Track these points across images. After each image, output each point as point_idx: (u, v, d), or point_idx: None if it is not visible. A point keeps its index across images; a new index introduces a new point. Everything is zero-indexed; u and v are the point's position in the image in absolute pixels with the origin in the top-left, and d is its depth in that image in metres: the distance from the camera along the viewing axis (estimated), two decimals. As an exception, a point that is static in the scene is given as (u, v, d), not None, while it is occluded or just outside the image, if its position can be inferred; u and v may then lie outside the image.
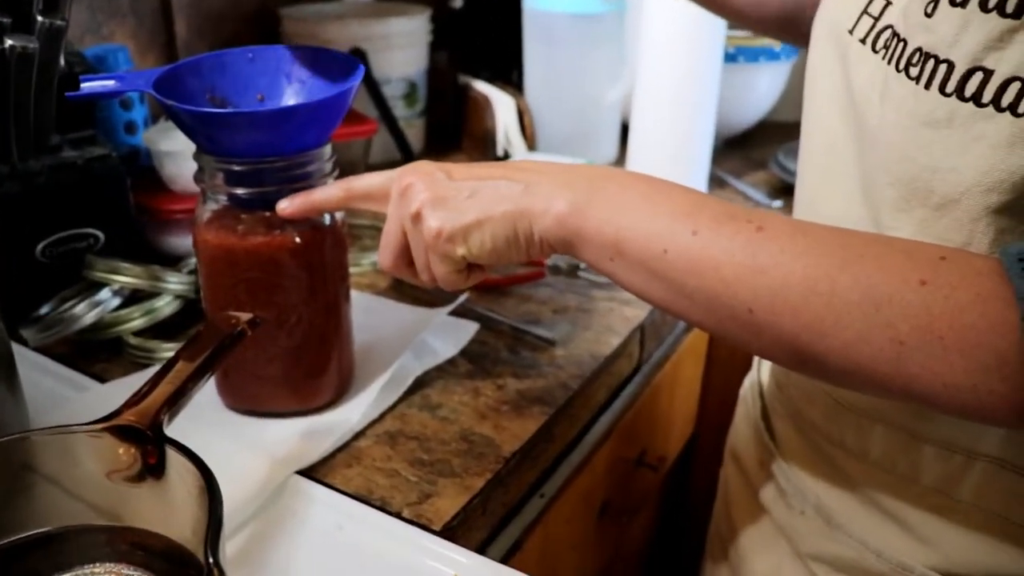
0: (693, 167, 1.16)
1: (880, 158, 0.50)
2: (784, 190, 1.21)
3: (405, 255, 0.59)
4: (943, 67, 0.45)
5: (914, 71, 0.47)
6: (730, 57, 1.26)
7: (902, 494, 0.57)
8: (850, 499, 0.61)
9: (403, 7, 1.31)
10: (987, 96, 0.44)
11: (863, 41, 0.52)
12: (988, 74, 0.43)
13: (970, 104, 0.44)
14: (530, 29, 1.25)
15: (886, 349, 0.42)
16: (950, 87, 0.45)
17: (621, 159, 1.26)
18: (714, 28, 1.08)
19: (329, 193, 0.61)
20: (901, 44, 0.48)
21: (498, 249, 0.54)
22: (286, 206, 0.61)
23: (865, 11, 0.53)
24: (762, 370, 0.75)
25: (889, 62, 0.49)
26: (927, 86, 0.46)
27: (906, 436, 0.56)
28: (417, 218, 0.55)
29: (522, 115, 1.25)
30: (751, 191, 1.21)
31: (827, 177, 0.59)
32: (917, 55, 0.47)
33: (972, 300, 0.40)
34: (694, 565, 0.90)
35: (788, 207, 1.13)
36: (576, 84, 1.24)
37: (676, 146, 1.14)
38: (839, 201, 0.57)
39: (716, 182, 1.23)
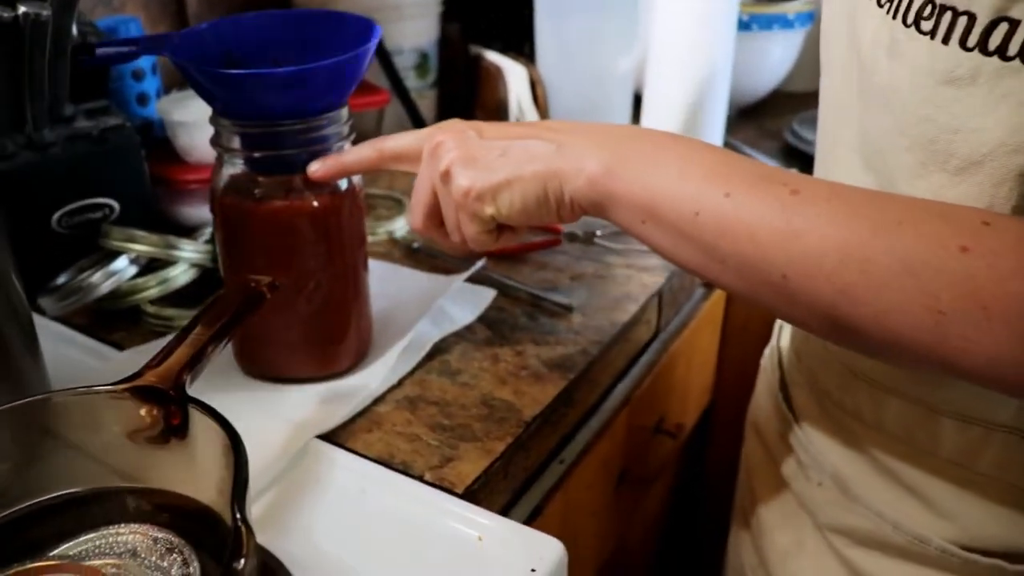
0: (707, 137, 1.15)
1: (894, 121, 0.49)
2: (799, 159, 1.20)
3: (435, 215, 0.58)
4: (963, 19, 0.43)
5: (926, 25, 0.45)
6: (744, 25, 1.25)
7: (920, 466, 0.57)
8: (867, 470, 0.60)
9: (414, -23, 1.30)
10: (1013, 48, 0.41)
11: None
12: (1014, 25, 0.41)
13: (995, 58, 0.42)
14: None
15: (925, 319, 0.40)
16: (971, 41, 0.43)
17: (635, 129, 1.25)
18: (728, -5, 1.07)
19: (361, 154, 0.60)
20: None
21: (528, 209, 0.53)
22: (317, 168, 0.60)
23: None
24: (782, 338, 0.75)
25: (895, 16, 0.47)
26: (945, 41, 0.44)
27: (923, 408, 0.55)
28: (447, 176, 0.55)
29: (534, 86, 1.24)
30: (765, 160, 1.20)
31: (835, 144, 0.58)
32: (929, 8, 0.44)
33: (1017, 268, 0.38)
34: (710, 533, 0.91)
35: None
36: (588, 54, 1.23)
37: (690, 116, 1.13)
38: (844, 168, 0.56)
39: (730, 151, 1.22)
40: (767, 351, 0.79)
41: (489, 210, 0.54)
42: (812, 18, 1.34)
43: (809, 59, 1.46)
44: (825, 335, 0.47)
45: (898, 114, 0.48)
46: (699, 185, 0.47)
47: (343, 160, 0.60)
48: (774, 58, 1.34)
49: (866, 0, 0.50)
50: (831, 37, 0.58)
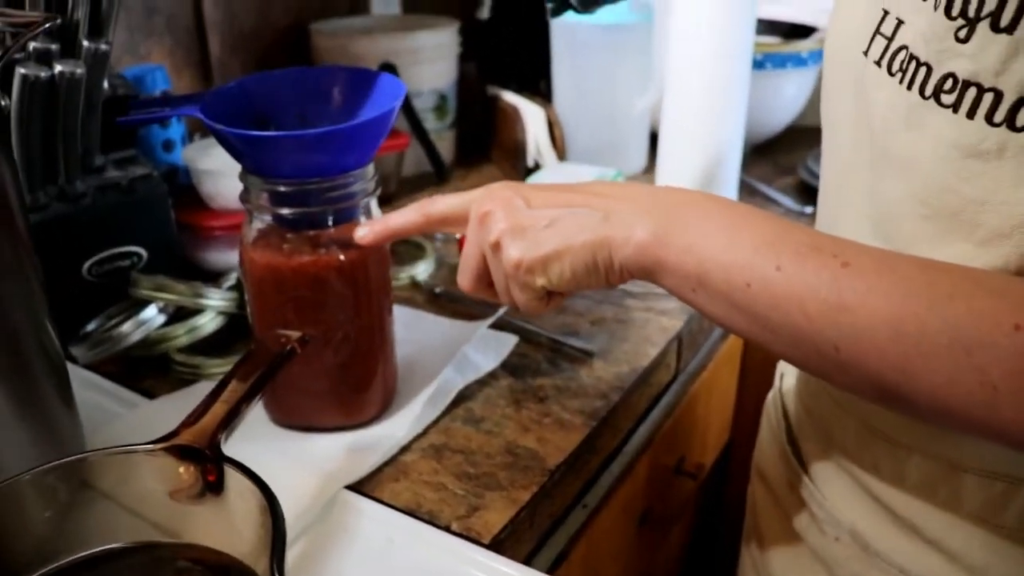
0: (723, 175, 1.16)
1: (915, 189, 0.48)
2: (813, 195, 1.20)
3: (485, 278, 0.59)
4: (989, 96, 0.43)
5: (948, 98, 0.45)
6: (758, 64, 1.27)
7: (943, 521, 0.56)
8: (888, 526, 0.59)
9: (432, 20, 1.32)
10: None
11: (878, 63, 0.50)
12: None
13: (1023, 135, 0.42)
14: (558, 40, 1.26)
15: (977, 393, 0.40)
16: (998, 117, 0.43)
17: (650, 168, 1.27)
18: (742, 36, 1.08)
19: (407, 218, 0.61)
20: (923, 69, 0.46)
21: (578, 278, 0.53)
22: (365, 233, 0.62)
23: (877, 31, 0.51)
24: (784, 388, 0.74)
25: (910, 87, 0.47)
26: (970, 115, 0.44)
27: (944, 464, 0.54)
28: (497, 247, 0.55)
29: (552, 126, 1.26)
30: (781, 197, 1.21)
31: (840, 206, 0.58)
32: (950, 82, 0.44)
33: None
34: (730, 572, 0.91)
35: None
36: (605, 94, 1.25)
37: (705, 154, 1.14)
38: (851, 232, 0.55)
39: (746, 189, 1.23)
40: (769, 397, 0.78)
41: (540, 281, 0.54)
42: (825, 56, 1.36)
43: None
44: (878, 404, 0.47)
45: (918, 184, 0.48)
46: (749, 256, 0.47)
47: (390, 224, 0.61)
48: (788, 95, 1.36)
49: (876, 68, 0.50)
50: (835, 99, 0.58)
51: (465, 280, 0.60)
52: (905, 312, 0.42)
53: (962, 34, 0.43)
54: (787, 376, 0.75)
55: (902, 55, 0.48)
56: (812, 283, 0.45)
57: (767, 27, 1.45)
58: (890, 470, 0.58)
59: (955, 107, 0.44)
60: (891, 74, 0.49)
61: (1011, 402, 0.40)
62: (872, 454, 0.59)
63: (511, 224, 0.54)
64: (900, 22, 0.49)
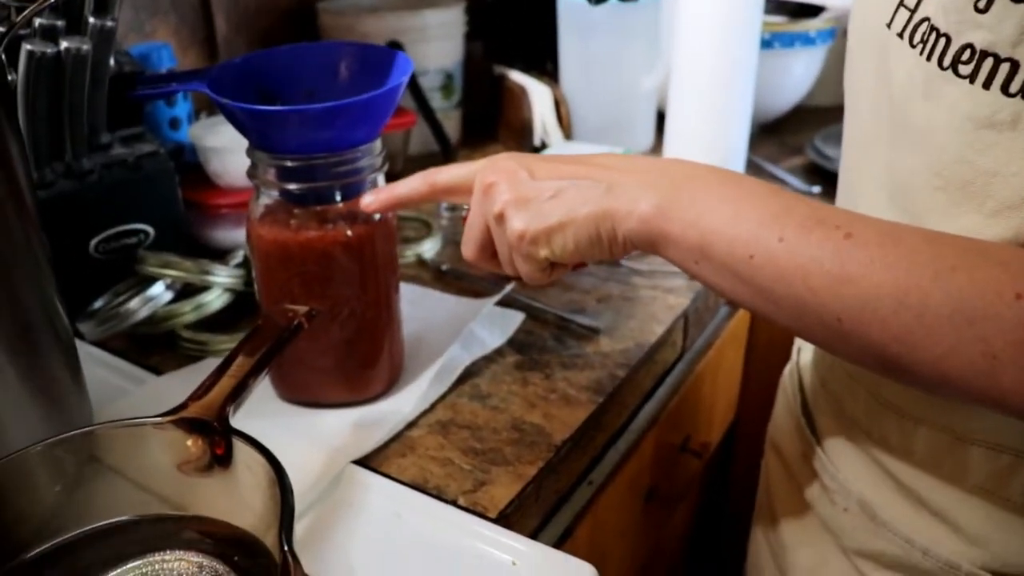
0: (730, 154, 1.16)
1: (927, 161, 0.49)
2: (820, 175, 1.21)
3: (488, 248, 0.58)
4: (1005, 66, 0.43)
5: (964, 69, 0.45)
6: (765, 43, 1.26)
7: (948, 493, 0.56)
8: (895, 497, 0.60)
9: (438, -1, 1.32)
10: None
11: (900, 35, 0.50)
12: None
13: None
14: (565, 19, 1.25)
15: (978, 363, 0.41)
16: (1014, 87, 0.43)
17: (657, 147, 1.27)
18: (750, 15, 1.07)
19: (412, 186, 0.61)
20: (943, 40, 0.46)
21: (581, 250, 0.53)
22: (371, 201, 0.62)
23: (901, 4, 0.51)
24: (801, 362, 0.75)
25: (929, 58, 0.47)
26: (985, 86, 0.44)
27: (951, 436, 0.55)
28: (501, 218, 0.55)
29: (558, 105, 1.25)
30: (788, 177, 1.21)
31: (860, 178, 0.58)
32: (968, 52, 0.45)
33: None
34: (735, 549, 0.91)
35: (825, 193, 1.14)
36: (611, 73, 1.24)
37: (712, 133, 1.14)
38: (868, 203, 0.56)
39: (753, 168, 1.23)
40: (786, 371, 0.79)
41: (543, 252, 0.54)
42: (833, 35, 1.35)
43: (831, 74, 1.47)
44: (879, 373, 0.47)
45: (932, 155, 0.48)
46: (753, 228, 0.47)
47: (396, 192, 0.61)
48: (796, 75, 1.35)
49: (898, 40, 0.50)
50: (858, 71, 0.58)
51: (469, 250, 0.59)
52: (908, 284, 0.42)
53: (981, 5, 0.43)
54: (804, 350, 0.76)
55: (924, 27, 0.48)
56: (816, 255, 0.45)
57: (775, 6, 1.44)
58: (898, 441, 0.59)
59: (972, 77, 0.44)
60: (912, 45, 0.49)
61: (1011, 371, 0.40)
62: (881, 425, 0.60)
63: (515, 195, 0.54)
64: None
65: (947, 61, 0.46)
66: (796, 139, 1.36)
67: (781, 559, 0.75)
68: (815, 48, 1.33)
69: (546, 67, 1.37)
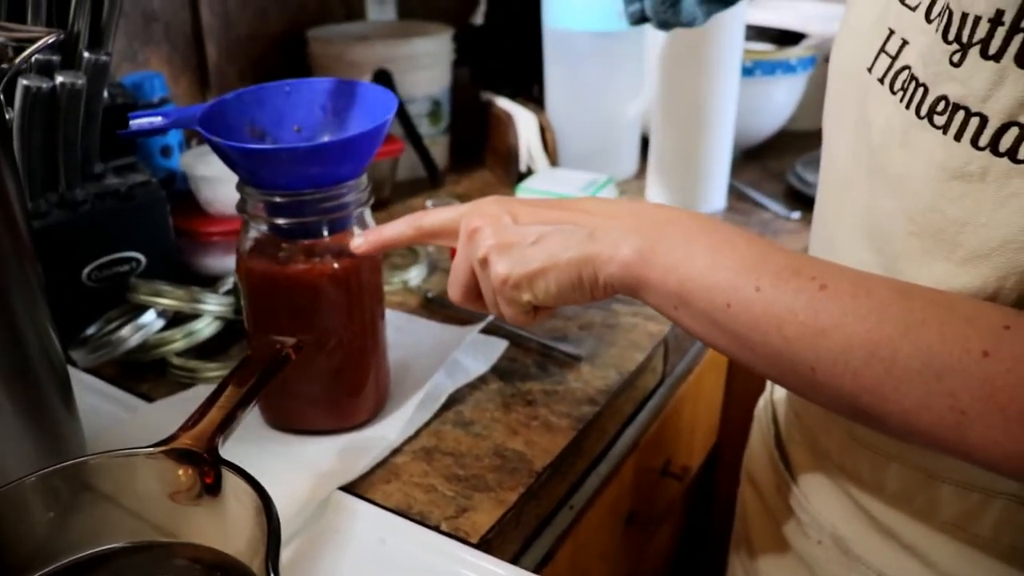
0: (712, 180, 1.18)
1: (902, 206, 0.49)
2: (802, 200, 1.23)
3: (474, 290, 0.60)
4: (975, 120, 0.44)
5: (939, 120, 0.46)
6: (747, 71, 1.29)
7: (920, 528, 0.57)
8: (868, 531, 0.61)
9: (426, 27, 1.34)
10: (1023, 152, 0.42)
11: (881, 81, 0.51)
12: None
13: (1005, 159, 0.43)
14: (551, 47, 1.28)
15: (947, 417, 0.42)
16: (983, 141, 0.44)
17: (641, 173, 1.29)
18: (732, 43, 1.10)
19: (399, 229, 0.63)
20: (921, 89, 0.47)
21: (563, 294, 0.55)
22: (360, 243, 0.64)
23: (883, 49, 0.52)
24: (775, 395, 0.76)
25: (908, 106, 0.48)
26: (957, 137, 0.45)
27: (922, 474, 0.56)
28: (484, 263, 0.57)
29: (544, 131, 1.28)
30: (769, 202, 1.23)
31: (838, 218, 0.59)
32: (943, 104, 0.46)
33: None
34: (717, 573, 0.93)
35: (806, 218, 1.16)
36: (597, 100, 1.27)
37: (695, 160, 1.17)
38: (846, 245, 0.57)
39: (735, 194, 1.25)
40: (761, 402, 0.80)
41: (526, 296, 0.56)
42: (814, 62, 1.38)
43: (812, 101, 1.50)
44: (852, 420, 0.48)
45: (908, 201, 0.49)
46: (730, 277, 0.48)
47: (384, 235, 0.63)
48: (777, 102, 1.38)
49: (878, 85, 0.51)
50: (838, 112, 0.59)
51: (455, 292, 0.61)
52: (879, 337, 0.43)
53: (956, 58, 0.45)
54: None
55: (904, 75, 0.49)
56: (791, 305, 0.46)
57: (757, 33, 1.47)
58: (870, 477, 0.59)
59: (945, 128, 0.46)
60: (892, 92, 0.50)
61: (978, 427, 0.41)
62: (854, 461, 0.60)
63: (498, 241, 0.56)
64: (905, 42, 0.50)
65: (924, 110, 0.47)
66: (778, 164, 1.39)
67: None
68: (796, 75, 1.35)
69: (532, 94, 1.39)
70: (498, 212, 0.57)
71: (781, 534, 0.70)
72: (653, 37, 1.21)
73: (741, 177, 1.32)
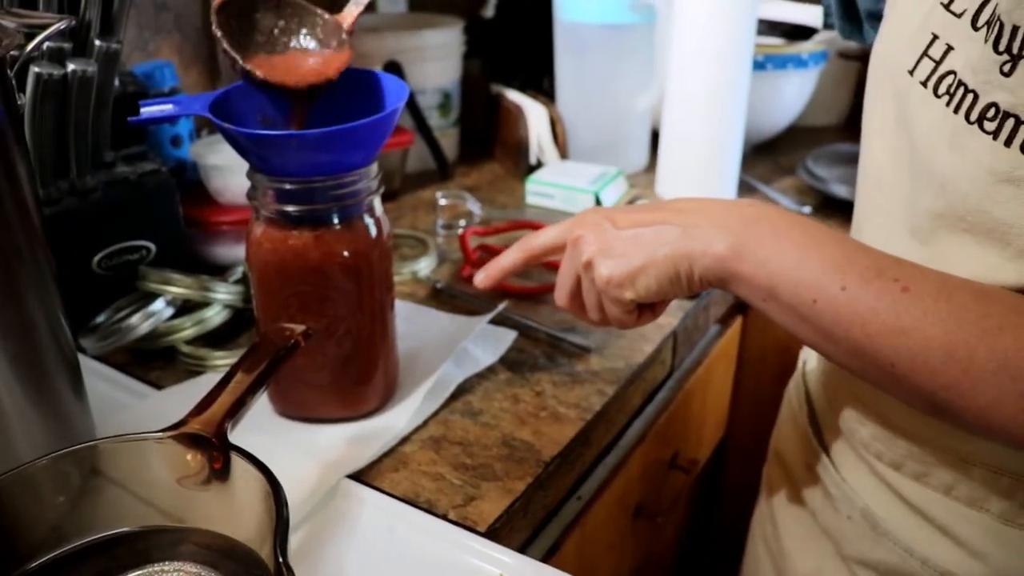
0: (722, 173, 1.18)
1: (952, 206, 0.51)
2: (812, 195, 1.23)
3: (579, 296, 0.65)
4: None
5: (989, 126, 0.48)
6: (758, 65, 1.28)
7: (952, 510, 0.59)
8: (899, 510, 0.63)
9: (437, 19, 1.34)
10: None
11: (924, 84, 0.53)
12: None
13: None
14: (561, 39, 1.28)
15: (1020, 416, 0.45)
16: None
17: (652, 166, 1.29)
18: (743, 37, 1.10)
19: (514, 258, 0.70)
20: (971, 96, 0.49)
21: (662, 289, 0.58)
22: (483, 279, 0.72)
23: (925, 53, 0.54)
24: (808, 379, 0.77)
25: (956, 111, 0.50)
26: (1007, 143, 0.47)
27: (953, 457, 0.58)
28: (588, 267, 0.61)
29: (554, 124, 1.27)
30: (780, 197, 1.23)
31: (876, 212, 0.61)
32: (993, 111, 0.47)
33: None
34: (725, 565, 0.93)
35: (816, 213, 1.15)
36: (607, 93, 1.27)
37: (706, 153, 1.16)
38: (885, 236, 0.59)
39: (745, 188, 1.25)
40: (792, 383, 0.82)
41: (629, 294, 0.60)
42: (825, 57, 1.37)
43: (823, 95, 1.50)
44: (929, 415, 0.51)
45: (956, 202, 0.51)
46: (817, 275, 0.51)
47: (503, 267, 0.70)
48: (788, 96, 1.37)
49: (921, 88, 0.53)
50: (876, 110, 0.61)
51: (561, 298, 0.66)
52: (957, 338, 0.46)
53: (1006, 68, 0.46)
54: (809, 362, 0.78)
55: (950, 79, 0.51)
56: (874, 305, 0.49)
57: (768, 28, 1.46)
58: (903, 460, 0.61)
59: (995, 134, 0.47)
60: (937, 96, 0.52)
61: None
62: (891, 449, 0.62)
63: (600, 245, 0.60)
64: (949, 48, 0.52)
65: (974, 116, 0.49)
66: (788, 159, 1.39)
67: (781, 565, 0.77)
68: (807, 70, 1.35)
69: (543, 87, 1.39)
70: (598, 220, 0.62)
71: (809, 509, 0.72)
72: (664, 30, 1.21)
73: (751, 171, 1.31)
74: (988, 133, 0.48)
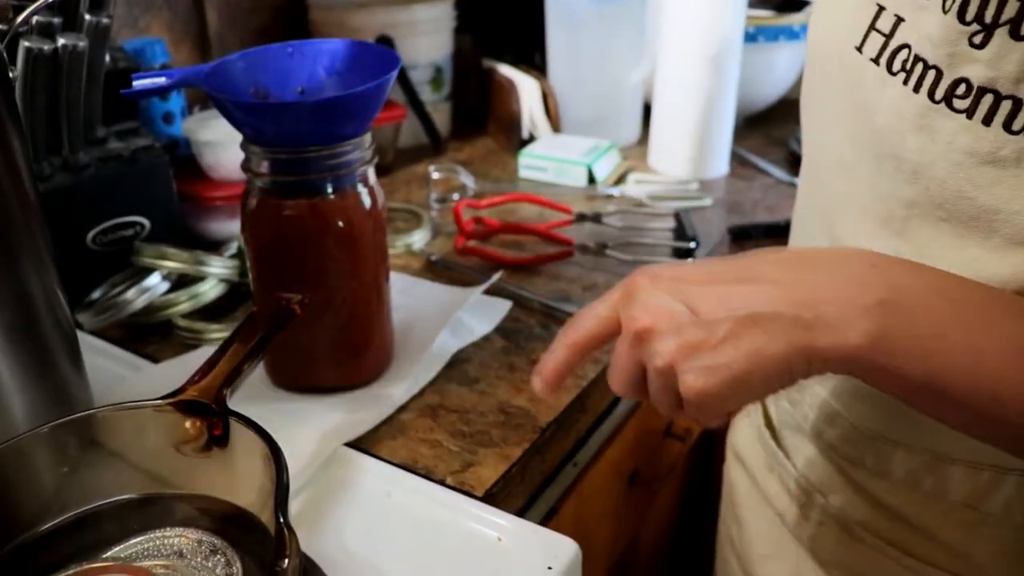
0: (714, 146, 1.18)
1: (929, 193, 0.47)
2: (804, 166, 1.23)
3: (641, 385, 0.48)
4: (1007, 103, 0.42)
5: (961, 104, 0.43)
6: (750, 37, 1.28)
7: (929, 509, 0.56)
8: (874, 513, 0.59)
9: (428, -7, 1.34)
10: None
11: (876, 61, 0.49)
12: None
13: None
14: (553, 13, 1.27)
15: None
16: (1017, 124, 0.41)
17: (644, 139, 1.29)
18: (734, 9, 1.10)
19: (563, 358, 0.51)
20: (932, 72, 0.44)
21: (768, 391, 0.44)
22: (541, 387, 0.52)
23: (872, 27, 0.49)
24: None
25: (916, 89, 0.45)
26: (986, 122, 0.42)
27: (930, 456, 0.54)
28: (668, 372, 0.44)
29: (546, 98, 1.27)
30: (771, 168, 1.23)
31: (838, 199, 0.56)
32: (963, 87, 0.43)
33: None
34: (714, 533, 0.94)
35: (809, 183, 1.16)
36: (599, 66, 1.27)
37: (698, 126, 1.17)
38: (854, 231, 0.54)
39: (737, 160, 1.25)
40: None
41: (729, 406, 0.45)
42: (816, 28, 1.37)
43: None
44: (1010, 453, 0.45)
45: (932, 188, 0.46)
46: (996, 368, 0.40)
47: (559, 370, 0.51)
48: (780, 68, 1.37)
49: (874, 66, 0.49)
50: (823, 94, 0.56)
51: (617, 387, 0.49)
52: None
53: (977, 40, 0.42)
54: None
55: (903, 54, 0.47)
56: None
57: (759, 0, 1.46)
58: (875, 464, 0.58)
59: (969, 113, 0.43)
60: (892, 73, 0.48)
61: None
62: (858, 449, 0.58)
63: (681, 344, 0.43)
64: (899, 19, 0.47)
65: (939, 94, 0.44)
66: (780, 131, 1.39)
67: (748, 566, 0.74)
68: (799, 42, 1.35)
69: (534, 61, 1.39)
70: (667, 303, 0.45)
71: (775, 514, 0.68)
72: (655, 3, 1.21)
73: (743, 144, 1.31)
74: (960, 112, 0.43)
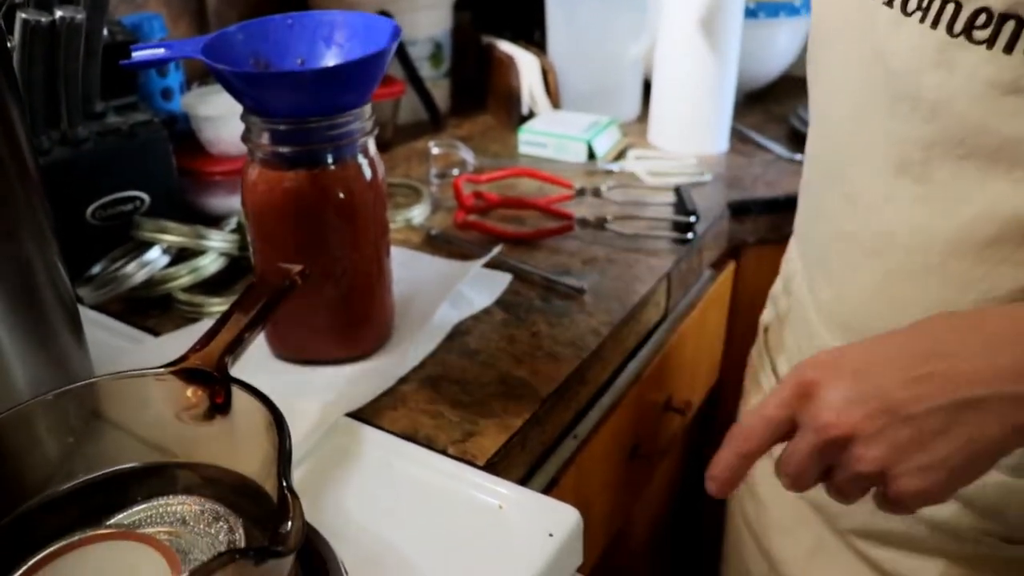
0: (715, 122, 1.18)
1: (945, 131, 0.47)
2: (804, 143, 1.22)
3: (819, 479, 0.48)
4: None
5: (981, 34, 0.43)
6: (750, 13, 1.28)
7: None
8: None
9: (427, -32, 1.33)
10: None
11: (889, 4, 0.49)
12: None
13: None
14: (552, -12, 1.27)
15: None
16: None
17: (644, 115, 1.28)
18: (735, -16, 1.09)
19: (737, 466, 0.51)
20: (951, 6, 0.44)
21: (977, 476, 0.43)
22: (716, 490, 0.53)
23: None
24: (770, 344, 0.72)
25: (935, 25, 0.45)
26: (1007, 50, 0.42)
27: None
28: (879, 479, 0.44)
29: (546, 74, 1.27)
30: (772, 145, 1.23)
31: (854, 149, 0.56)
32: (983, 16, 0.43)
33: None
34: (720, 504, 0.94)
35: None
36: (598, 42, 1.26)
37: (698, 102, 1.16)
38: (869, 180, 0.54)
39: (737, 136, 1.25)
40: (754, 351, 0.76)
41: (946, 499, 0.44)
42: (817, 3, 1.37)
43: (814, 43, 1.49)
44: None
45: (952, 125, 0.46)
46: None
47: (735, 476, 0.52)
48: (780, 44, 1.37)
49: (887, 10, 0.49)
50: (834, 45, 0.57)
51: (794, 485, 0.49)
52: None
53: None
54: (771, 332, 0.75)
55: None
56: None
57: (760, -25, 1.46)
58: None
59: (990, 42, 0.43)
60: (907, 13, 0.48)
61: None
62: None
63: (890, 448, 0.42)
64: None
65: (959, 27, 0.44)
66: (781, 108, 1.38)
67: (765, 542, 0.74)
68: (800, 18, 1.34)
69: (534, 37, 1.38)
70: (857, 401, 0.43)
71: None
72: (655, -23, 1.20)
73: (744, 120, 1.31)
74: (980, 43, 0.44)
